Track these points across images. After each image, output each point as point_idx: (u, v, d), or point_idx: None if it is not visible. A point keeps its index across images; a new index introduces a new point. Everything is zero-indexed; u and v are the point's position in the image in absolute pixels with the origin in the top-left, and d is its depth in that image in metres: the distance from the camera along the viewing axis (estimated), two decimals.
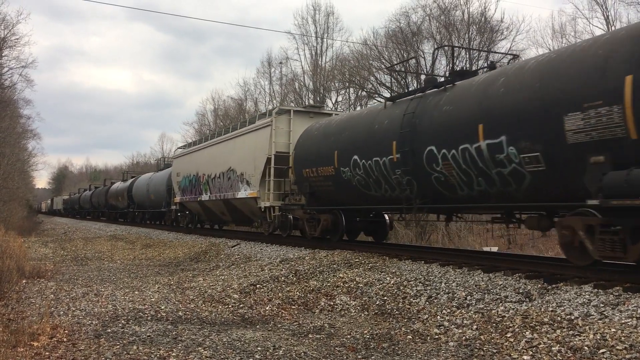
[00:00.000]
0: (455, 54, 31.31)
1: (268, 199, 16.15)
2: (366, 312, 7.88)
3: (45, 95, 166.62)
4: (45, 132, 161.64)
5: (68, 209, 72.32)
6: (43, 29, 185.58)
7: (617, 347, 5.04)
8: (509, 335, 5.88)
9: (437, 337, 6.33)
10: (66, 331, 6.30)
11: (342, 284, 9.10)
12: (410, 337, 6.42)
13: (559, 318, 5.99)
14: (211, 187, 21.16)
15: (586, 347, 5.16)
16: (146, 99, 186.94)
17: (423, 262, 10.13)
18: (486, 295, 7.45)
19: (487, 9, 31.40)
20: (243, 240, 17.82)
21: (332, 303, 8.38)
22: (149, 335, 6.29)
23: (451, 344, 6.01)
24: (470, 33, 30.77)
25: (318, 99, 39.24)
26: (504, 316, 6.42)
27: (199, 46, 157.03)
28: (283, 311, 8.03)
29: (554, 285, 7.30)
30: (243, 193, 17.75)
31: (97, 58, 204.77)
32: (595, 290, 6.80)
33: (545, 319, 6.02)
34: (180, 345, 5.88)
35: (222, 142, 20.77)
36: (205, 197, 21.62)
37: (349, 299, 8.48)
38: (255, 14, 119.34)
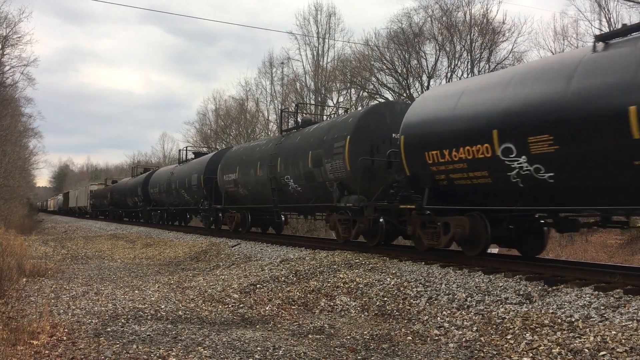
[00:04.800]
0: (457, 55, 31.36)
1: None
2: (366, 313, 7.87)
3: (55, 96, 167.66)
4: (51, 131, 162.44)
5: (105, 206, 44.13)
6: (57, 30, 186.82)
7: (618, 350, 5.03)
8: (509, 337, 5.88)
9: (437, 338, 6.32)
10: (66, 330, 6.30)
11: (342, 285, 9.09)
12: (410, 338, 6.41)
13: (559, 320, 5.99)
14: None
15: (586, 350, 5.16)
16: (154, 100, 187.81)
17: (423, 263, 10.12)
18: (486, 297, 7.45)
19: (489, 11, 31.49)
20: (243, 240, 17.82)
21: (332, 303, 8.38)
22: (148, 335, 6.29)
23: (451, 345, 6.01)
24: (472, 34, 30.78)
25: (319, 99, 39.28)
26: (504, 318, 6.42)
27: (207, 49, 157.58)
28: (283, 311, 8.03)
29: (554, 287, 7.29)
30: None
31: (108, 59, 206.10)
32: (596, 292, 6.79)
33: (546, 321, 6.01)
34: (180, 344, 5.88)
35: None
36: None
37: (349, 299, 8.47)
38: (265, 18, 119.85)
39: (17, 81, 33.71)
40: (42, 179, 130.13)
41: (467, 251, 10.06)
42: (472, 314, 6.87)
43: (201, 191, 21.66)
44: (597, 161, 7.47)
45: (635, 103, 6.88)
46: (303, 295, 8.79)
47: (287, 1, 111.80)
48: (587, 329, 5.60)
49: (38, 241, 21.60)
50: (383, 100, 30.96)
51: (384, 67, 33.48)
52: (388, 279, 9.01)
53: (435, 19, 32.10)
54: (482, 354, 5.58)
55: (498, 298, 7.31)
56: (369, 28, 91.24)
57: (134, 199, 34.81)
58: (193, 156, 26.62)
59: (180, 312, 7.70)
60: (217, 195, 20.43)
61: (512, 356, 5.39)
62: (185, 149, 29.47)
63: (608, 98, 7.24)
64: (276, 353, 5.65)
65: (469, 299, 7.52)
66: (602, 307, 6.22)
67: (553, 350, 5.29)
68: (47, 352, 5.37)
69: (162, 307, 7.96)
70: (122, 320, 7.04)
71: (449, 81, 30.83)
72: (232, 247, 16.11)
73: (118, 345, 5.72)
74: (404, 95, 31.27)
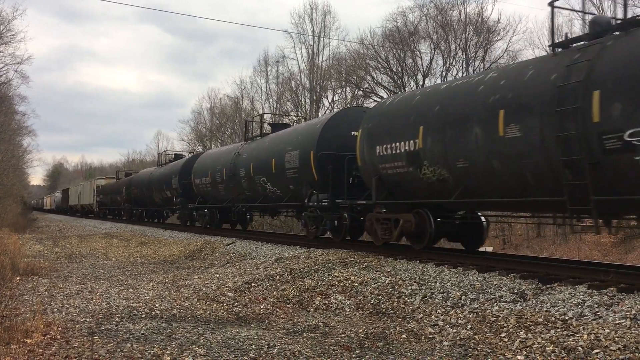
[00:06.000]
0: (452, 54, 31.42)
1: None
2: (361, 311, 7.88)
3: (52, 94, 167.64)
4: (47, 130, 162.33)
5: (117, 204, 36.81)
6: (54, 29, 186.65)
7: (611, 348, 5.05)
8: (503, 335, 5.89)
9: (431, 336, 6.33)
10: (60, 328, 6.27)
11: (337, 283, 9.10)
12: (404, 336, 6.42)
13: (553, 318, 6.01)
14: None
15: (580, 348, 5.18)
16: (151, 99, 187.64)
17: (418, 261, 10.14)
18: (481, 295, 7.47)
19: (483, 10, 31.57)
20: (238, 238, 17.80)
21: (327, 302, 8.38)
22: (143, 333, 6.27)
23: (445, 343, 6.02)
24: (467, 33, 30.85)
25: (314, 97, 39.26)
26: (499, 316, 6.43)
27: (206, 48, 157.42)
28: (278, 310, 8.03)
29: (548, 286, 7.31)
30: None
31: (105, 58, 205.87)
32: (590, 290, 6.81)
33: (540, 319, 6.03)
34: (174, 343, 5.87)
35: None
36: None
37: (343, 298, 8.48)
38: (264, 18, 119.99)
39: (11, 79, 33.68)
40: (36, 177, 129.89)
41: None
42: (467, 312, 6.89)
43: (309, 178, 13.92)
44: None
45: None
46: (298, 294, 8.80)
47: (286, 1, 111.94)
48: (581, 327, 5.63)
49: (32, 240, 21.51)
50: (379, 99, 30.85)
51: (379, 65, 33.54)
52: (383, 278, 9.02)
53: (431, 18, 32.18)
54: (476, 352, 5.60)
55: (492, 296, 7.33)
56: (364, 27, 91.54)
57: (164, 194, 26.04)
58: (270, 128, 18.90)
59: (174, 311, 7.69)
60: (348, 182, 13.03)
61: (506, 354, 5.40)
62: (260, 116, 20.84)
63: None
64: (271, 351, 5.65)
65: (463, 297, 7.54)
66: (595, 306, 6.24)
67: (547, 348, 5.31)
68: (40, 350, 5.35)
69: (157, 305, 7.94)
70: (117, 319, 7.01)
71: (444, 79, 30.86)
72: (227, 245, 16.10)
73: (112, 344, 5.70)
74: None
